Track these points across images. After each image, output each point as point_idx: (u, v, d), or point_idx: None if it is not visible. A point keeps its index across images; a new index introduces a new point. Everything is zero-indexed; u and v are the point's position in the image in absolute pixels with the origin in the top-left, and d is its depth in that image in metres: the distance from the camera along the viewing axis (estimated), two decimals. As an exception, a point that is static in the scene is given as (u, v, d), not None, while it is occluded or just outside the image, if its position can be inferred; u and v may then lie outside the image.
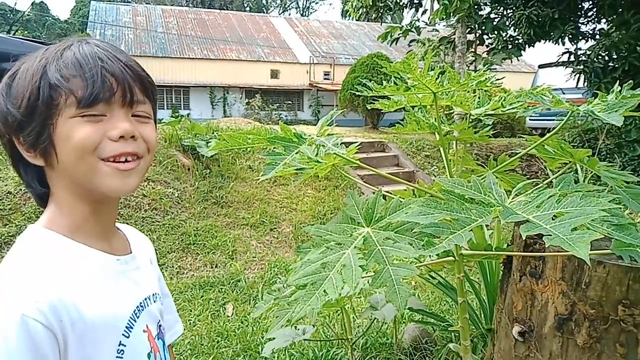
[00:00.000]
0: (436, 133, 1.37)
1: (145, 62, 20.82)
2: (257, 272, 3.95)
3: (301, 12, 46.45)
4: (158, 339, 0.72)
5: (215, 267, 3.94)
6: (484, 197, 1.00)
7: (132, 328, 0.65)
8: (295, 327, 1.97)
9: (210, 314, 3.08)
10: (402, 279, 0.97)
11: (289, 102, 22.94)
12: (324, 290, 0.97)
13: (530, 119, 9.39)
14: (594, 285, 1.45)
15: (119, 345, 0.63)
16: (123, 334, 0.64)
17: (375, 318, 1.84)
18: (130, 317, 0.66)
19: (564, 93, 8.73)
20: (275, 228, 4.75)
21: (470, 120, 1.50)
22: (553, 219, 0.81)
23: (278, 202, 5.21)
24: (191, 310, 3.12)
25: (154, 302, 0.74)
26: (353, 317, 2.75)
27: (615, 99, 1.05)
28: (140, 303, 0.69)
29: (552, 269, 1.53)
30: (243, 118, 13.62)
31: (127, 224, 3.37)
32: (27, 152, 0.64)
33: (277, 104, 21.55)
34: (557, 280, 1.53)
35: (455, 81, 1.20)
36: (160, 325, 0.74)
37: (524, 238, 1.40)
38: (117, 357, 0.63)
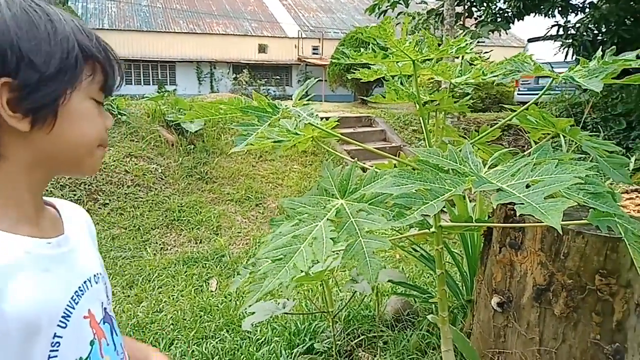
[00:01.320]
0: (415, 103, 1.33)
1: (129, 36, 20.41)
2: (242, 247, 3.93)
3: (289, -16, 45.34)
4: (104, 323, 0.66)
5: (200, 242, 3.92)
6: (459, 167, 0.97)
7: (69, 317, 0.59)
8: (276, 300, 1.96)
9: (194, 289, 3.07)
10: (374, 252, 0.95)
11: (277, 77, 22.65)
12: (294, 264, 0.94)
13: (518, 94, 9.38)
14: (572, 256, 1.44)
15: (54, 338, 0.57)
16: (58, 325, 0.58)
17: (355, 291, 1.83)
18: (68, 305, 0.59)
19: (552, 67, 8.65)
20: (261, 203, 4.72)
21: (455, 90, 1.46)
22: (527, 188, 0.79)
23: (264, 177, 5.17)
24: (174, 286, 3.10)
25: (96, 282, 0.67)
26: (336, 290, 2.76)
27: (597, 64, 1.02)
28: (80, 287, 0.62)
29: (531, 240, 1.53)
30: (230, 94, 13.43)
31: (110, 200, 3.32)
32: (14, 113, 0.55)
33: (265, 79, 21.29)
34: (536, 251, 1.52)
35: (434, 47, 1.15)
36: (105, 308, 0.69)
37: (495, 206, 1.38)
38: (51, 351, 0.56)
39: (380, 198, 1.06)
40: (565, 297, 1.46)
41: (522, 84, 9.16)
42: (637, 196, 1.55)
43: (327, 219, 1.03)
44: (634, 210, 1.47)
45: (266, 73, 22.22)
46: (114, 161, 4.51)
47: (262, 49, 22.50)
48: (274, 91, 20.83)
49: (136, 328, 2.61)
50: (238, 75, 19.75)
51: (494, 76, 1.21)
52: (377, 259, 0.93)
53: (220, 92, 19.77)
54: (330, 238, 0.97)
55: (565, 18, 6.68)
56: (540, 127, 1.43)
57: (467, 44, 1.12)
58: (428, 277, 3.03)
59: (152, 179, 4.52)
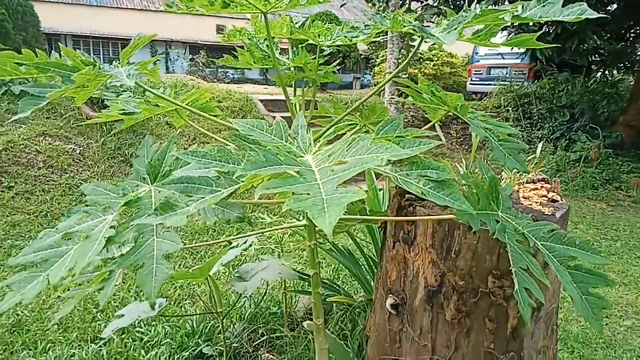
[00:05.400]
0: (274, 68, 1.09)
1: (79, 10, 19.24)
2: (162, 236, 3.64)
3: (253, -36, 44.11)
4: None
5: (114, 231, 3.60)
6: (284, 145, 0.75)
7: None
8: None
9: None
10: (164, 255, 0.71)
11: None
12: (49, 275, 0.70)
13: (470, 84, 9.36)
14: (464, 254, 1.26)
15: None
16: None
17: (241, 292, 1.60)
18: None
19: (503, 58, 8.69)
20: (190, 189, 4.43)
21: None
22: (332, 171, 0.57)
23: (197, 161, 4.85)
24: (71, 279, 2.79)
25: None
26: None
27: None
28: None
29: (423, 235, 1.34)
30: (187, 75, 12.85)
31: (15, 183, 2.87)
32: None
33: (224, 61, 20.59)
34: (427, 247, 1.33)
35: (281, -6, 0.92)
36: None
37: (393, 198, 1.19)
38: None
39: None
40: (457, 300, 1.28)
41: (474, 74, 9.13)
42: (542, 186, 1.38)
43: (119, 213, 0.79)
44: (536, 203, 1.30)
45: (224, 55, 21.54)
46: (24, 140, 4.09)
47: (220, 29, 21.78)
48: (233, 74, 20.23)
49: (14, 328, 2.30)
50: (195, 56, 19.07)
51: (358, 39, 0.99)
52: (164, 265, 0.70)
53: (176, 73, 19.08)
54: (107, 237, 0.72)
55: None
56: (434, 105, 1.23)
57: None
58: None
59: (67, 160, 4.13)
